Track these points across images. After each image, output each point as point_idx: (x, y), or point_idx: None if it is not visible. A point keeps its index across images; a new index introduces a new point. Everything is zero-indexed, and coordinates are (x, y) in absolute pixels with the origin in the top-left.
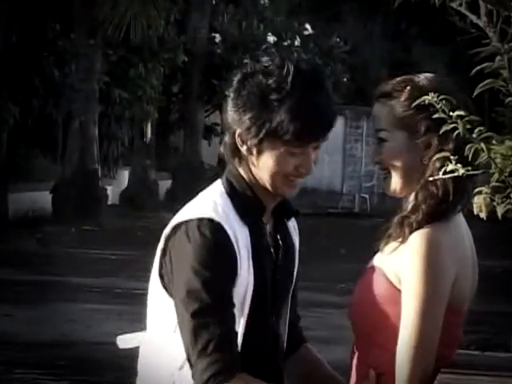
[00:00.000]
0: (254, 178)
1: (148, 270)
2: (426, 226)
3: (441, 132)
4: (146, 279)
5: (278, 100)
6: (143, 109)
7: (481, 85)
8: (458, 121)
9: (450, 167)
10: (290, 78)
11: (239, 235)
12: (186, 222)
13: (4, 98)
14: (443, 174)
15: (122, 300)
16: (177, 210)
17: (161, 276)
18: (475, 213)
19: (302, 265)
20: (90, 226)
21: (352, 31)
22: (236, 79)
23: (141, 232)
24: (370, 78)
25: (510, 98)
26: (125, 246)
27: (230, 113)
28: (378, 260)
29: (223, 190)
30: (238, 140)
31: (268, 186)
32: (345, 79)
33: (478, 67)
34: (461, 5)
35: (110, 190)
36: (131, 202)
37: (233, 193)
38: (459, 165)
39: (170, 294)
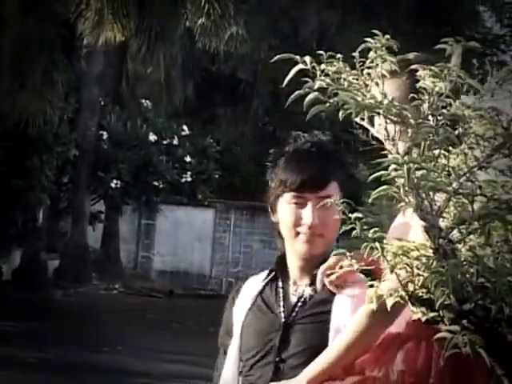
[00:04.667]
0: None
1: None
2: None
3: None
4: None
5: (276, 165)
6: (37, 196)
7: (375, 192)
8: (357, 222)
9: (346, 263)
10: (288, 149)
11: (251, 290)
12: None
13: None
14: (339, 268)
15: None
16: (63, 287)
17: None
18: (366, 303)
19: (176, 339)
20: None
21: (225, 133)
22: None
23: (31, 305)
24: (239, 175)
25: (401, 204)
26: (17, 318)
27: None
28: None
29: None
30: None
31: (289, 245)
32: (216, 176)
33: (376, 174)
34: (363, 119)
35: (4, 267)
36: (23, 278)
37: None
38: (354, 261)
39: None
